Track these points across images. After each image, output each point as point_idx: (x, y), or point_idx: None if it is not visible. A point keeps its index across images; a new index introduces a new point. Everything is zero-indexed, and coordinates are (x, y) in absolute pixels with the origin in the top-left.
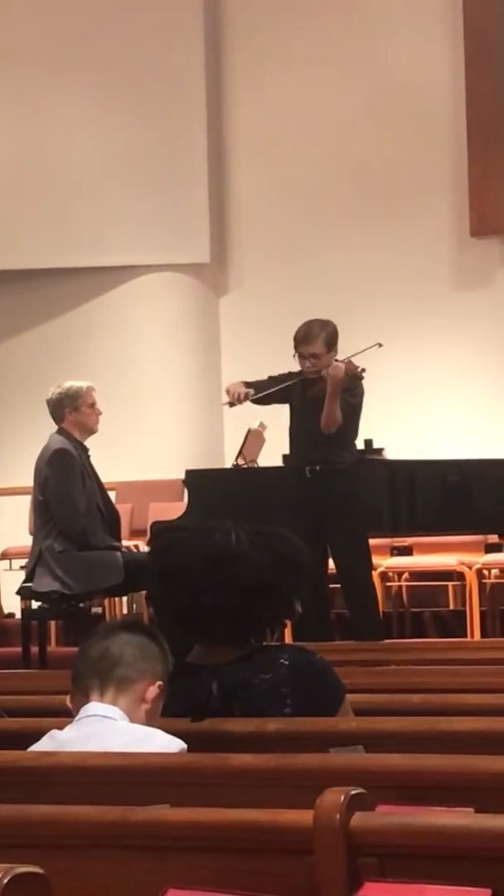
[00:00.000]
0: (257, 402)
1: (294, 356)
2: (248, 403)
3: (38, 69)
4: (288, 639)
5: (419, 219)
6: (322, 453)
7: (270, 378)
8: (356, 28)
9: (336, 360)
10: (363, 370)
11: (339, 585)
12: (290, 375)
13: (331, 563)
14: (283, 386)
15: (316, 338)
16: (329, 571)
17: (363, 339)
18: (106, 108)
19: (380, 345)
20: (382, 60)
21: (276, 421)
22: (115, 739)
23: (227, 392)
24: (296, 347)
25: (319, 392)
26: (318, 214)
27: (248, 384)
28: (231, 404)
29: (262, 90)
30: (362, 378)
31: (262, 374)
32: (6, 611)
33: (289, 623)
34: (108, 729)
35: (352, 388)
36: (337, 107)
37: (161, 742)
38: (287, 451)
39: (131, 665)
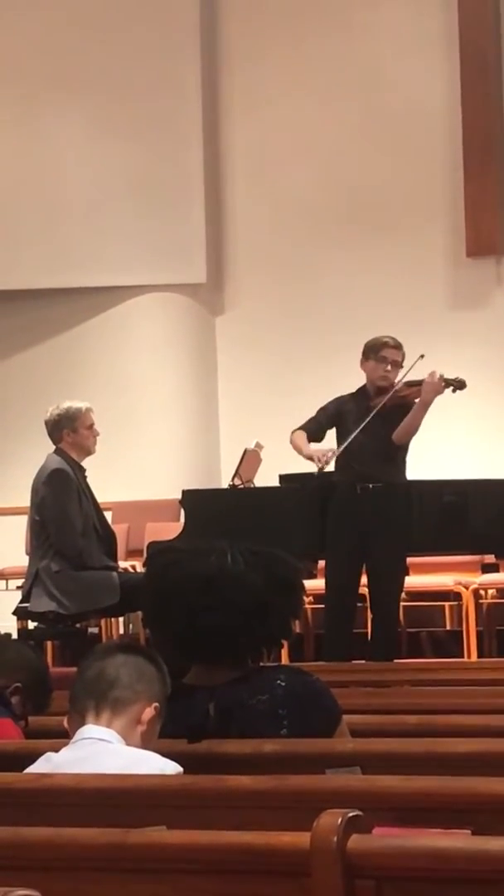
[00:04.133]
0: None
1: (366, 362)
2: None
3: (34, 89)
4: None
5: (415, 239)
6: (375, 471)
7: (321, 411)
8: (352, 49)
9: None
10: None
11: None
12: (340, 402)
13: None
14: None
15: (399, 348)
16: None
17: (358, 360)
18: (102, 128)
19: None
20: (379, 81)
21: (273, 440)
22: (109, 762)
23: (314, 459)
24: (377, 351)
25: (388, 402)
26: (315, 235)
27: (303, 428)
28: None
29: (259, 111)
30: (465, 387)
31: (257, 394)
32: (2, 631)
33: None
34: (102, 751)
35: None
36: (333, 128)
37: (155, 765)
38: (286, 471)
39: (127, 687)
